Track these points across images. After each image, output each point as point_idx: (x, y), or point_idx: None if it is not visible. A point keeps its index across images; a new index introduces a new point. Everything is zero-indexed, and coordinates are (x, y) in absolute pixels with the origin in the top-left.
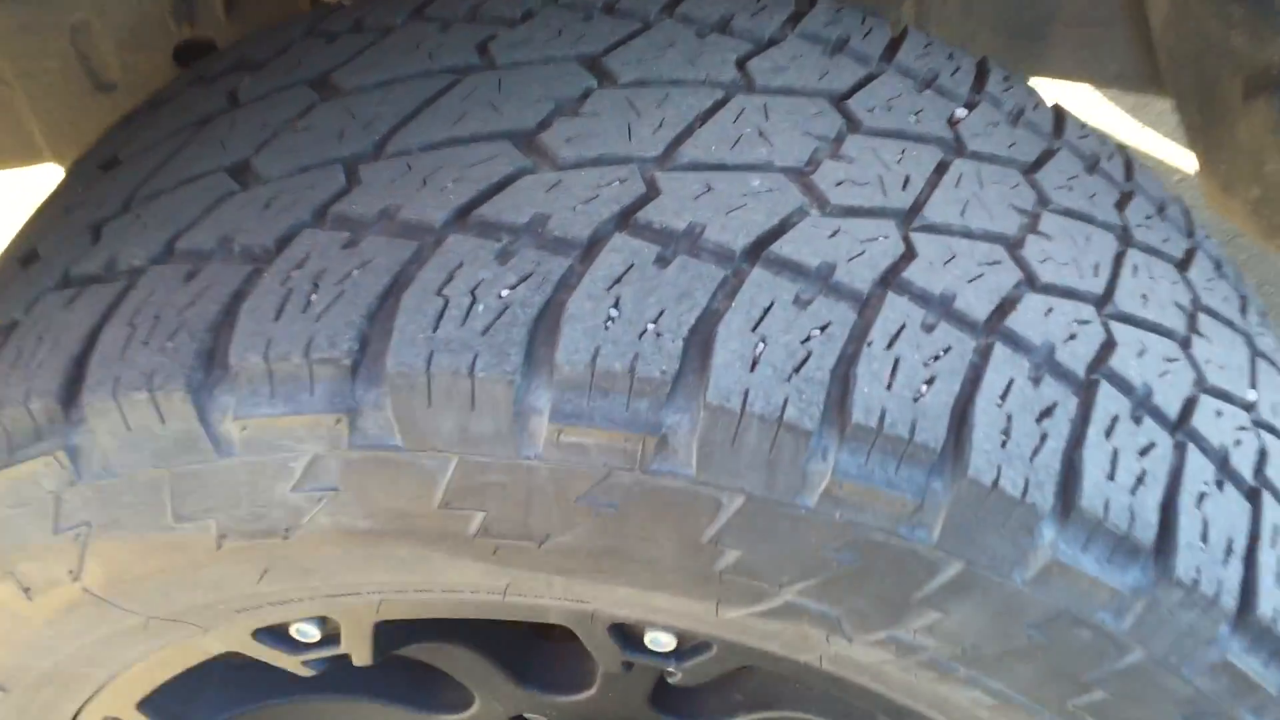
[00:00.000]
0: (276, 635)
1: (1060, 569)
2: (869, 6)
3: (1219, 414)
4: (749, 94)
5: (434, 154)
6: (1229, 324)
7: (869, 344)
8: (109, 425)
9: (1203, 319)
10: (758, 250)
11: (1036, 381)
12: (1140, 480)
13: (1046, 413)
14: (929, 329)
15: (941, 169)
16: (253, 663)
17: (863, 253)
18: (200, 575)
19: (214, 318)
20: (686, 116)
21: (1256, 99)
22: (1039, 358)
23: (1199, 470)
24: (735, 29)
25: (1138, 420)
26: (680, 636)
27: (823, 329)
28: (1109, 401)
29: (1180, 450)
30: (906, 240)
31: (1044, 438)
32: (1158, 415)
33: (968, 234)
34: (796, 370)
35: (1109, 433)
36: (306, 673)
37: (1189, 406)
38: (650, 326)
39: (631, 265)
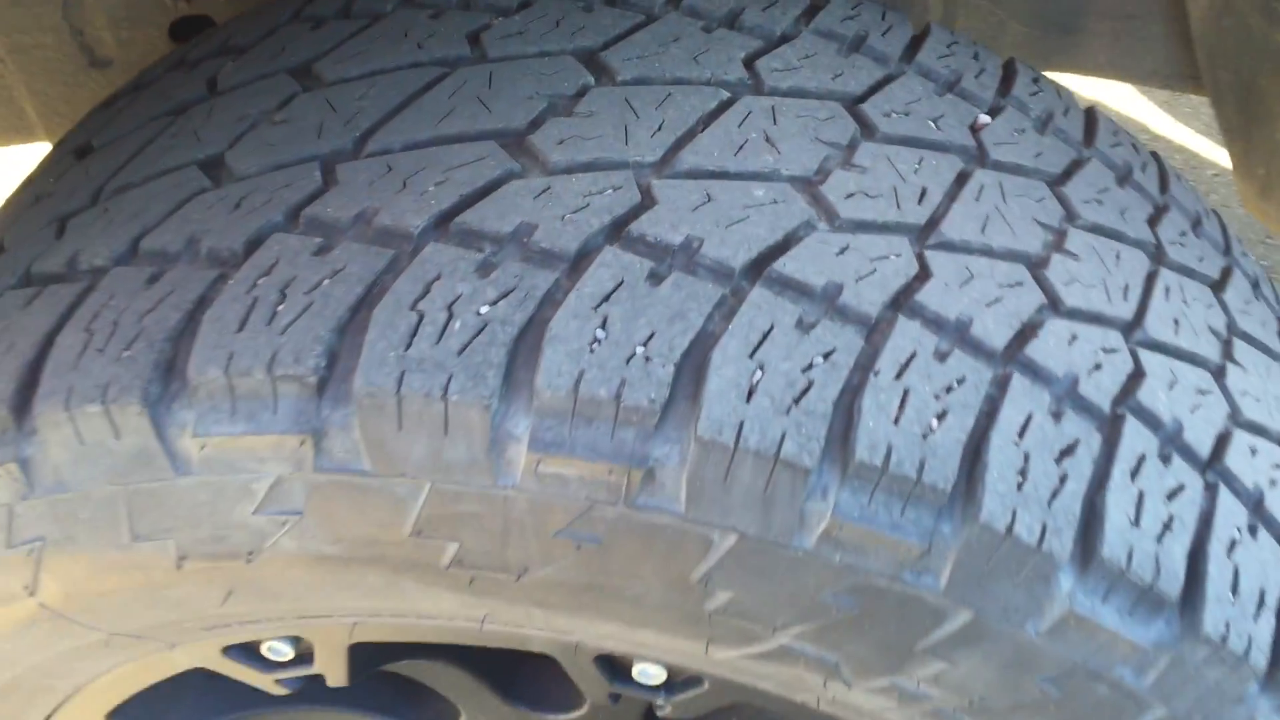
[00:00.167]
0: (248, 652)
1: (1078, 621)
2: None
3: (1254, 451)
4: (756, 95)
5: (417, 154)
6: (1266, 350)
7: (876, 373)
8: (61, 438)
9: (1238, 345)
10: (759, 268)
11: (1057, 417)
12: (1167, 526)
13: (1067, 451)
14: (942, 357)
15: (961, 180)
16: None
17: (873, 272)
18: (161, 595)
19: (175, 326)
20: (688, 119)
21: None
22: (1061, 390)
23: (1231, 514)
24: (745, 24)
25: (1166, 459)
26: (670, 670)
27: (826, 356)
28: (1135, 439)
29: (1211, 492)
30: (920, 259)
31: (1064, 479)
32: (1188, 453)
33: (987, 252)
34: (796, 401)
35: (1135, 474)
36: (280, 691)
37: (1221, 443)
38: (639, 350)
39: (622, 282)
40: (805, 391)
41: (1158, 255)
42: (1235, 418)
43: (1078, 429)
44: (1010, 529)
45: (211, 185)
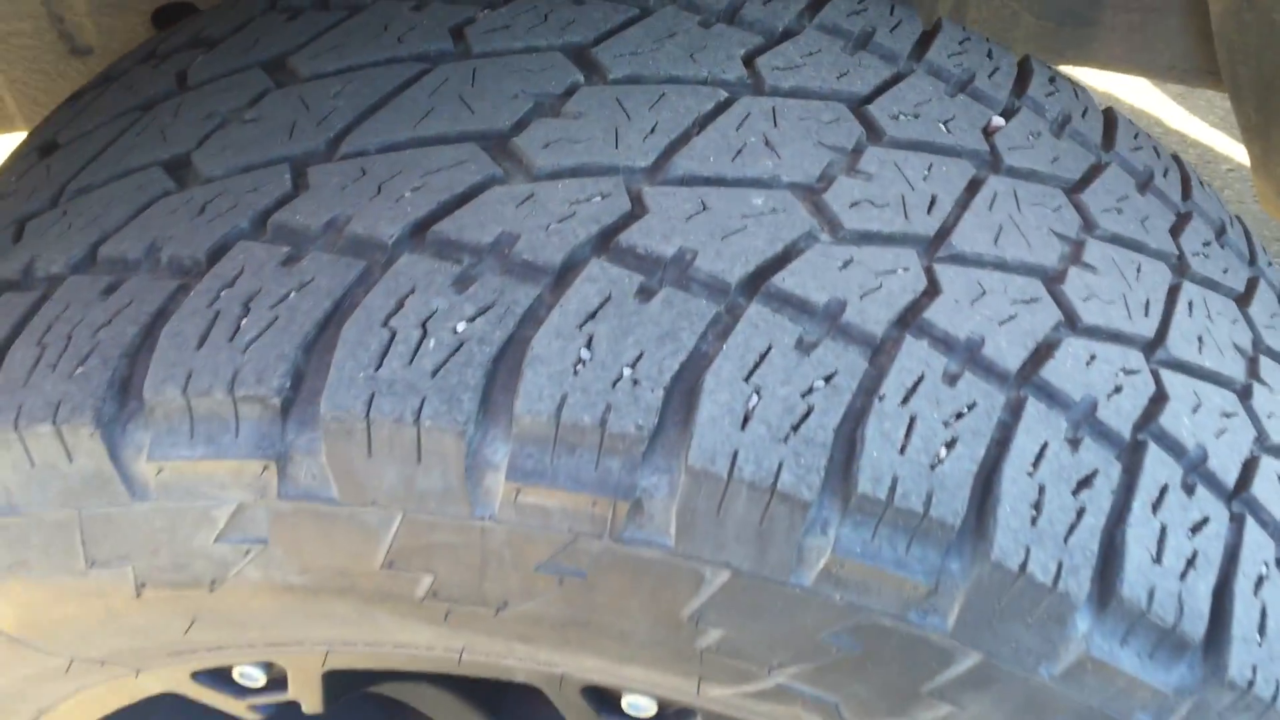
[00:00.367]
0: (219, 678)
1: (1095, 665)
2: None
3: None
4: (756, 96)
5: (393, 157)
6: None
7: (881, 398)
8: (12, 459)
9: (1265, 364)
10: (756, 282)
11: (1075, 445)
12: (1191, 563)
13: (1085, 482)
14: (951, 380)
15: (973, 188)
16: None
17: (878, 288)
18: (122, 622)
19: (131, 342)
20: (683, 121)
21: None
22: (1078, 415)
23: (1258, 548)
24: (745, 19)
25: (1190, 490)
26: (661, 702)
27: (828, 379)
28: (1157, 467)
29: (1237, 524)
30: (929, 273)
31: (1081, 513)
32: (1212, 483)
33: (1001, 265)
34: (795, 429)
35: (1156, 506)
36: (253, 717)
37: (1248, 471)
38: (627, 372)
39: (609, 298)
40: (804, 418)
41: (1180, 267)
42: (1262, 442)
43: (1096, 458)
44: (1024, 567)
45: (176, 187)
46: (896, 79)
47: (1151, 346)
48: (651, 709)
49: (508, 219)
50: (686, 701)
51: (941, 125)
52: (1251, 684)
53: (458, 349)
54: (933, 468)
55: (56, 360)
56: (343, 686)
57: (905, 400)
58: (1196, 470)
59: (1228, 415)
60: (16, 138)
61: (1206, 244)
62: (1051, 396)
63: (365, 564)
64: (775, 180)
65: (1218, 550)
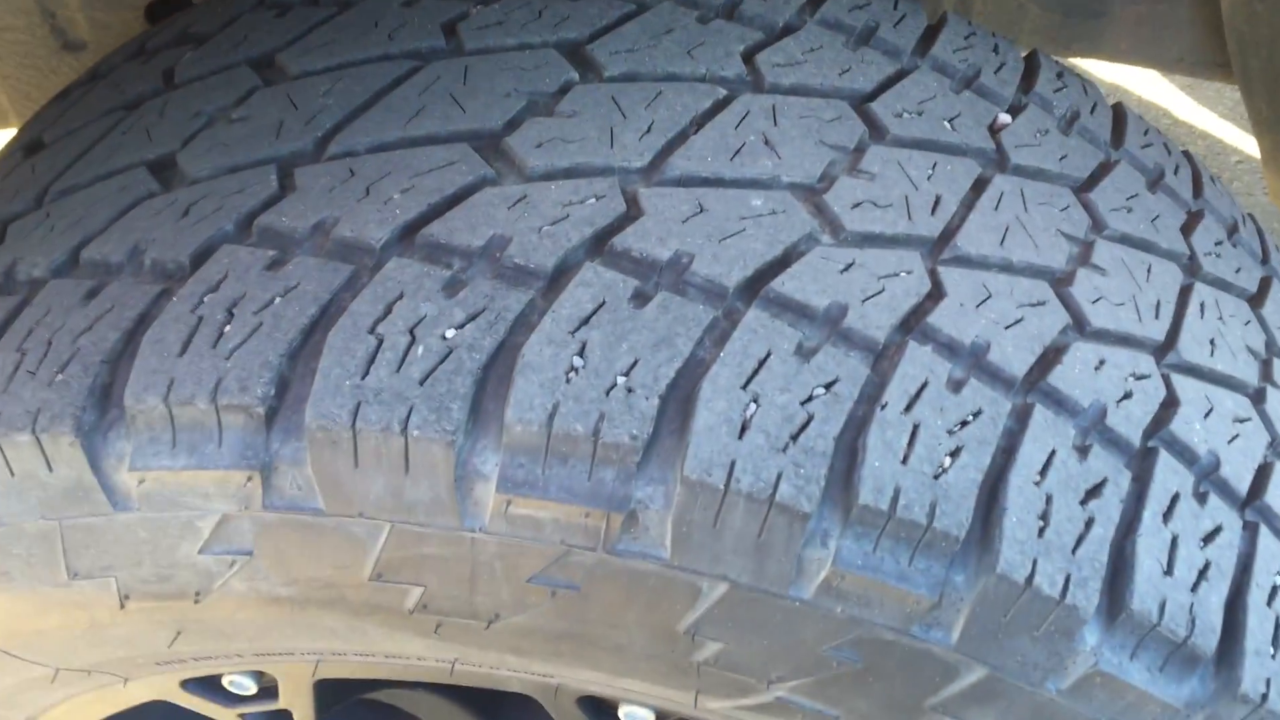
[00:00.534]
0: (208, 686)
1: (1103, 679)
2: None
3: None
4: (756, 93)
5: (382, 157)
6: None
7: (883, 406)
8: None
9: (1279, 367)
10: (755, 287)
11: (1083, 452)
12: (1203, 574)
13: (1094, 492)
14: (956, 387)
15: (979, 187)
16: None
17: (881, 291)
18: (106, 633)
19: (112, 348)
20: (680, 120)
21: None
22: (1086, 422)
23: (1271, 558)
24: (744, 14)
25: (1202, 498)
26: (660, 712)
27: (828, 387)
28: (1168, 475)
29: (1250, 533)
30: (934, 276)
31: (1090, 523)
32: (1225, 490)
33: (1007, 268)
34: (794, 438)
35: (1167, 515)
36: None
37: (1262, 477)
38: (620, 380)
39: (603, 303)
40: (804, 427)
41: (1191, 267)
42: (1276, 447)
43: (1105, 466)
44: (1030, 580)
45: (160, 189)
46: (900, 75)
47: (1162, 350)
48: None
49: (499, 221)
50: (684, 714)
51: (946, 123)
52: (1265, 698)
53: (447, 356)
54: (936, 478)
55: (36, 366)
56: (335, 695)
57: (908, 408)
58: (1208, 478)
59: (1240, 420)
60: (10, 133)
61: (1218, 243)
62: (1059, 403)
63: (353, 576)
64: (775, 181)
65: (1230, 561)
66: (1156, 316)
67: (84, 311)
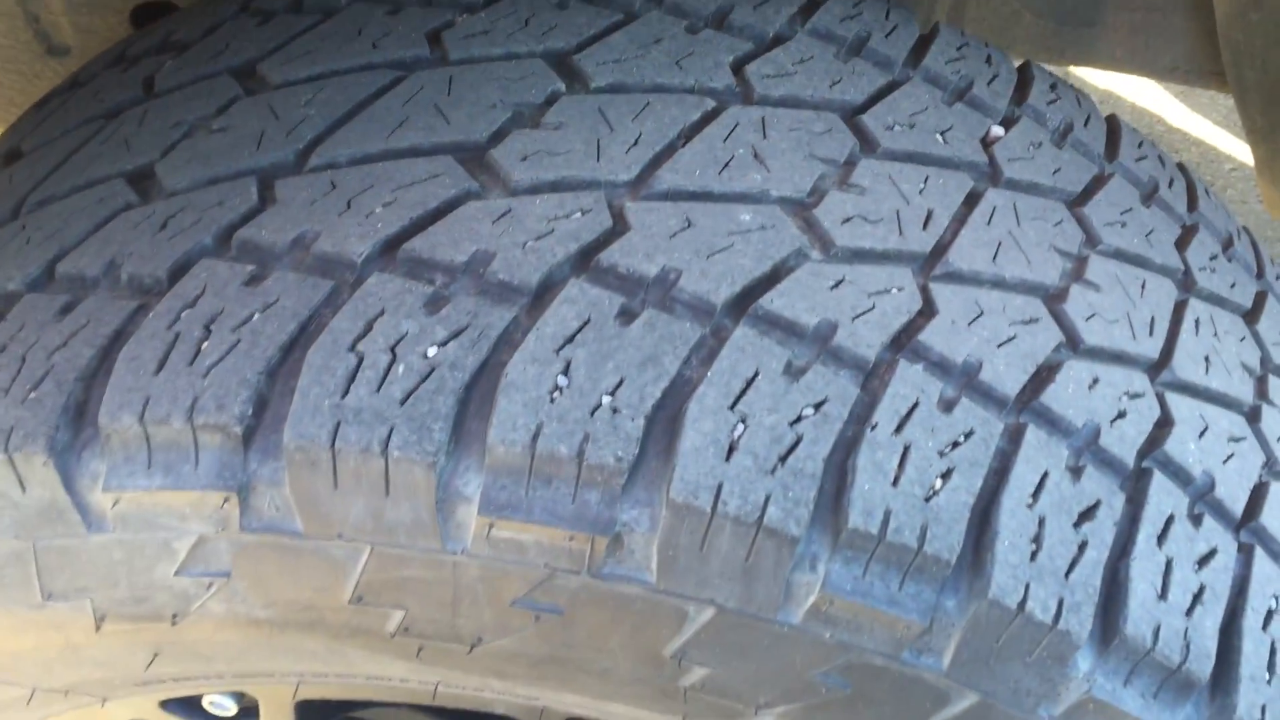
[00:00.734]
0: (188, 706)
1: (1097, 706)
2: None
3: None
4: (745, 105)
5: (364, 170)
6: None
7: (873, 427)
8: None
9: (1274, 384)
10: (743, 304)
11: (1076, 474)
12: (1197, 598)
13: (1087, 514)
14: (947, 407)
15: (972, 201)
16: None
17: (871, 309)
18: (82, 654)
19: (87, 365)
20: (668, 132)
21: None
22: (1080, 442)
23: (1267, 580)
24: (734, 24)
25: (1196, 520)
26: None
27: (817, 407)
28: (1162, 497)
29: (1245, 555)
30: (925, 292)
31: (1083, 547)
32: (1220, 512)
33: (999, 284)
34: (783, 460)
35: (1161, 538)
36: None
37: (1257, 498)
38: (606, 400)
39: (588, 321)
40: (793, 448)
41: (1186, 283)
42: (1271, 467)
43: (1099, 488)
44: (1023, 605)
45: (138, 200)
46: (891, 87)
47: (1156, 368)
48: None
49: (483, 236)
50: None
51: (938, 135)
52: None
53: (428, 375)
54: (927, 500)
55: (9, 384)
56: (317, 715)
57: (899, 429)
58: (1203, 499)
59: (1235, 439)
60: None
61: (1213, 257)
62: (1052, 423)
63: (333, 599)
64: (764, 195)
65: (1225, 584)
66: (1151, 333)
67: (58, 327)
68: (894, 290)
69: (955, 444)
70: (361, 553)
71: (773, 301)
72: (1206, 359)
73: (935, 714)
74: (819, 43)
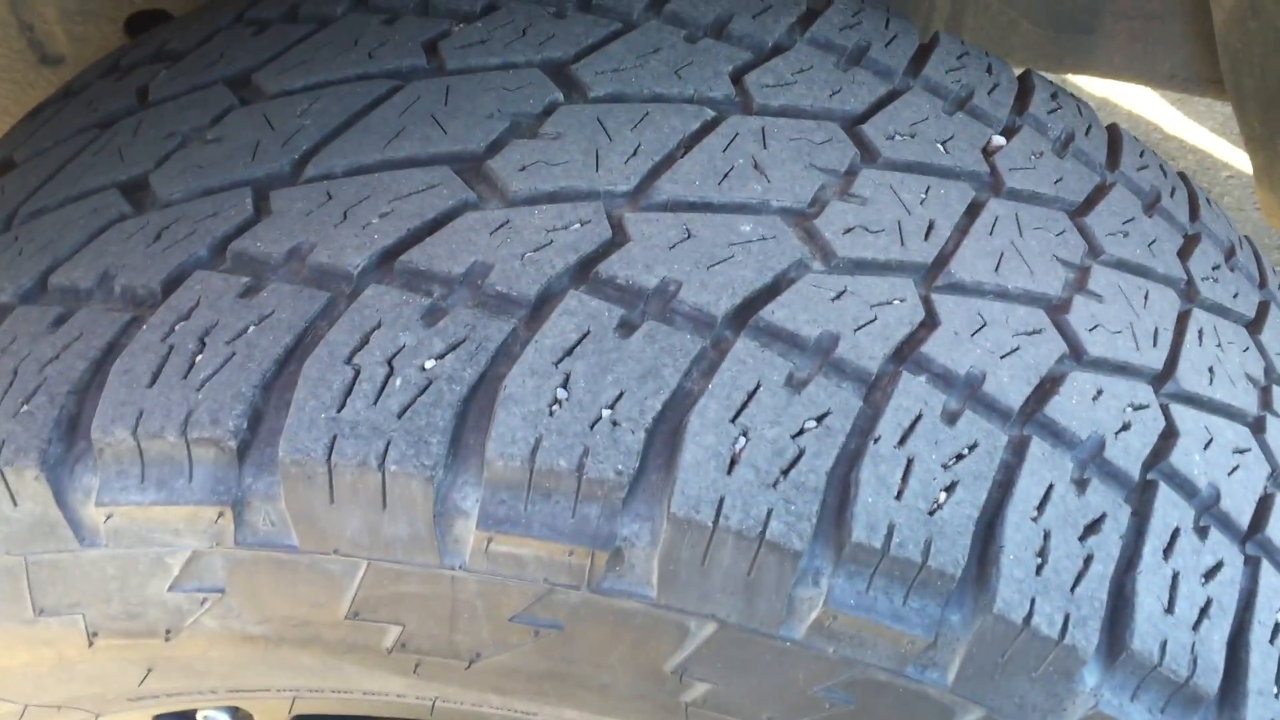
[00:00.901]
0: None
1: None
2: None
3: None
4: (745, 115)
5: (360, 180)
6: None
7: (876, 440)
8: None
9: (1278, 394)
10: (744, 315)
11: (1081, 486)
12: (1204, 612)
13: (1093, 527)
14: (951, 419)
15: (973, 211)
16: None
17: (873, 320)
18: (75, 670)
19: (80, 378)
20: (667, 142)
21: None
22: (1085, 455)
23: (1274, 593)
24: (733, 33)
25: (1202, 533)
26: None
27: (820, 420)
28: (1168, 509)
29: (1252, 568)
30: (927, 304)
31: (1089, 560)
32: (1226, 524)
33: (1002, 295)
34: (785, 473)
35: (1168, 551)
36: None
37: (1263, 510)
38: (606, 413)
39: (588, 333)
40: (795, 462)
41: (1189, 293)
42: (1276, 479)
43: (1104, 501)
44: (1028, 620)
45: (132, 211)
46: (892, 96)
47: (1160, 379)
48: None
49: (481, 248)
50: None
51: (939, 145)
52: None
53: (426, 388)
54: (931, 514)
55: (1, 397)
56: None
57: (902, 441)
58: (1209, 511)
59: (1240, 451)
60: None
61: (1216, 267)
62: (1056, 435)
63: (329, 614)
64: (764, 205)
65: (1232, 597)
66: (1155, 344)
67: (51, 340)
68: (896, 301)
69: (959, 457)
70: (358, 568)
71: (774, 313)
72: (1210, 370)
73: None
74: (818, 52)
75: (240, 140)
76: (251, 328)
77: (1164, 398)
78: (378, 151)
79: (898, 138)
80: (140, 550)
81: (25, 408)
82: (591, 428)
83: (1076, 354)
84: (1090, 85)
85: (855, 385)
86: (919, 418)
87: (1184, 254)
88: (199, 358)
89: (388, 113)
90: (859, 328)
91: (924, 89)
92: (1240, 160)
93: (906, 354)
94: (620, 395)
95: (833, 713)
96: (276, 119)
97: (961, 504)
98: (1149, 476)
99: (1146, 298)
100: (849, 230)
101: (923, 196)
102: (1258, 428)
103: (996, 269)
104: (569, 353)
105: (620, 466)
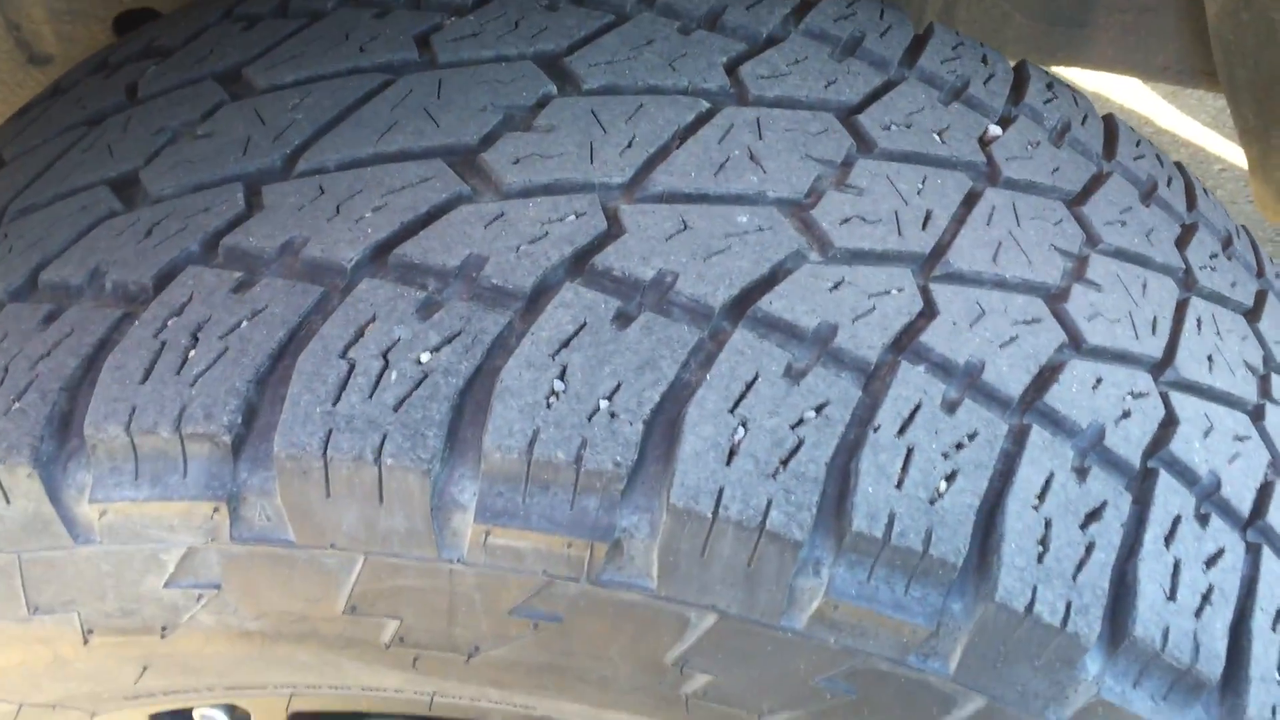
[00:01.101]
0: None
1: (1106, 708)
2: None
3: None
4: (740, 106)
5: (353, 174)
6: None
7: (876, 429)
8: None
9: (1277, 382)
10: (742, 306)
11: (1082, 475)
12: (1206, 598)
13: (1094, 515)
14: (950, 408)
15: (970, 201)
16: None
17: (871, 310)
18: (70, 668)
19: (72, 374)
20: (662, 134)
21: None
22: (1085, 443)
23: (1276, 580)
24: (727, 25)
25: (1203, 520)
26: None
27: (819, 409)
28: (1169, 497)
29: (1254, 555)
30: (925, 293)
31: (1090, 548)
32: (1227, 511)
33: (1000, 284)
34: (784, 463)
35: (1169, 539)
36: None
37: (1263, 497)
38: (603, 405)
39: (584, 325)
40: (794, 451)
41: (1187, 281)
42: (1276, 466)
43: (1105, 488)
44: (1030, 608)
45: (122, 208)
46: (887, 87)
47: (1160, 367)
48: None
49: (475, 240)
50: None
51: (935, 135)
52: None
53: (422, 381)
54: (932, 503)
55: None
56: None
57: (902, 430)
58: (1210, 499)
59: (1240, 439)
60: None
61: (1213, 256)
62: (1057, 423)
63: (326, 609)
64: (761, 196)
65: (1234, 584)
66: (1153, 333)
67: (42, 336)
68: (894, 291)
69: (959, 445)
70: (355, 562)
71: (772, 304)
72: (1209, 358)
73: (942, 718)
74: (813, 43)
75: (231, 135)
76: (245, 323)
77: (1163, 386)
78: (370, 145)
79: (894, 128)
80: (135, 547)
81: (17, 405)
82: (589, 419)
83: (1075, 343)
84: (1083, 79)
85: (854, 375)
86: (918, 407)
87: (1181, 243)
88: (192, 353)
89: (380, 106)
90: (857, 318)
91: (919, 79)
92: (1233, 154)
93: (905, 343)
94: (618, 387)
95: (834, 703)
96: (267, 114)
97: (962, 493)
98: (1149, 464)
99: (1145, 286)
100: (846, 220)
101: (919, 186)
102: (1257, 415)
103: (994, 258)
104: (566, 344)
105: (619, 458)
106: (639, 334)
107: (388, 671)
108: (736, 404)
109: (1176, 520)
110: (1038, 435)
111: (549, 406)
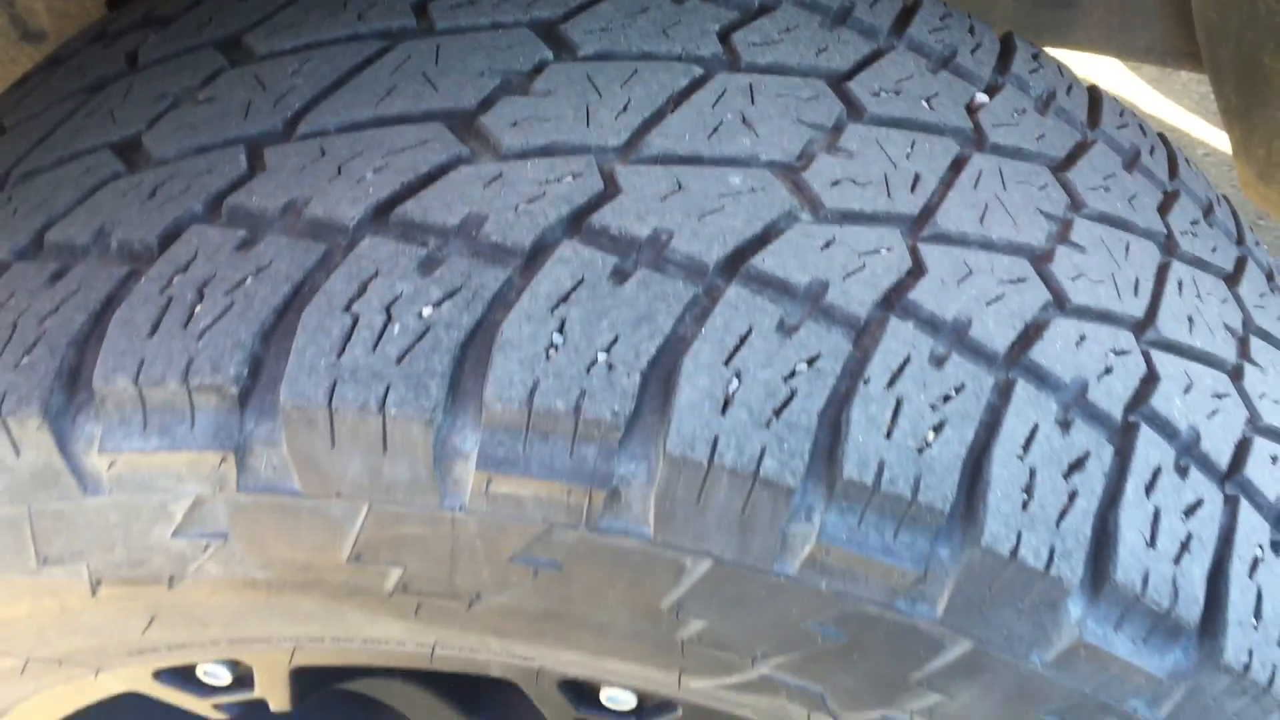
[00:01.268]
0: (182, 676)
1: (1088, 650)
2: None
3: (1274, 460)
4: (732, 72)
5: (354, 136)
6: None
7: (866, 381)
8: None
9: (1255, 344)
10: (735, 263)
11: (1065, 427)
12: (1185, 546)
13: (1077, 465)
14: (938, 363)
15: (958, 166)
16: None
17: (861, 268)
18: (78, 621)
19: (80, 329)
20: (656, 98)
21: None
22: (1069, 397)
23: (1252, 530)
24: None
25: (1183, 472)
26: (641, 695)
27: (811, 362)
28: (1150, 449)
29: (1231, 507)
30: (914, 253)
31: (1073, 496)
32: (1205, 465)
33: (987, 245)
34: (777, 413)
35: (1149, 488)
36: (218, 716)
37: (1241, 452)
38: (601, 356)
39: (582, 280)
40: (787, 402)
41: (1169, 246)
42: (1254, 423)
43: (1088, 440)
44: (1015, 552)
45: (126, 170)
46: (877, 55)
47: (1141, 326)
48: (631, 702)
49: (475, 199)
50: (667, 694)
51: (924, 102)
52: (1248, 668)
53: (424, 334)
54: (920, 452)
55: (1, 350)
56: (311, 684)
57: (891, 383)
58: (1189, 452)
59: (1219, 396)
60: None
61: (1194, 222)
62: (1041, 378)
63: (330, 558)
64: (753, 159)
65: (1212, 533)
66: (1135, 294)
67: (49, 294)
68: (883, 250)
69: (947, 398)
70: (359, 511)
71: (764, 261)
72: (1190, 319)
73: (929, 661)
74: (804, 12)
75: (232, 100)
76: (249, 278)
77: (1145, 344)
78: (370, 109)
79: (883, 94)
80: (143, 497)
81: (25, 359)
82: (588, 370)
83: (1060, 301)
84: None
85: (845, 330)
86: (907, 361)
87: (1163, 209)
88: (198, 308)
89: (379, 72)
90: (848, 275)
91: (908, 48)
92: (1217, 138)
93: (894, 300)
94: (615, 339)
95: (825, 647)
96: (268, 79)
97: (949, 442)
98: (1131, 418)
99: (1127, 250)
100: (836, 182)
101: (908, 151)
102: (1236, 375)
103: (981, 220)
104: (564, 299)
105: (616, 407)
106: (635, 289)
107: (390, 621)
108: (731, 356)
109: (1157, 471)
110: (1023, 389)
111: (548, 358)
